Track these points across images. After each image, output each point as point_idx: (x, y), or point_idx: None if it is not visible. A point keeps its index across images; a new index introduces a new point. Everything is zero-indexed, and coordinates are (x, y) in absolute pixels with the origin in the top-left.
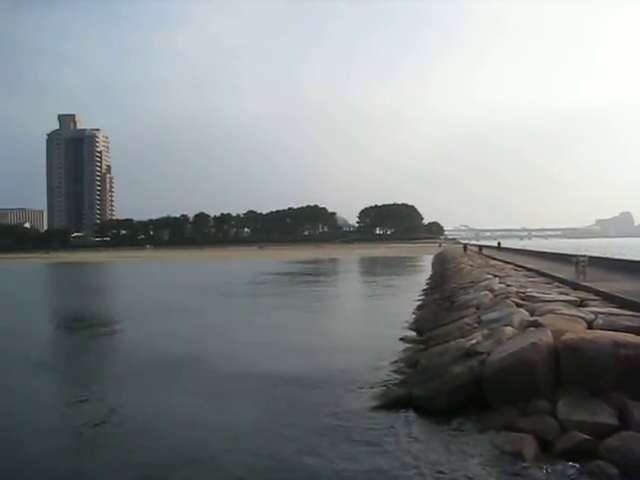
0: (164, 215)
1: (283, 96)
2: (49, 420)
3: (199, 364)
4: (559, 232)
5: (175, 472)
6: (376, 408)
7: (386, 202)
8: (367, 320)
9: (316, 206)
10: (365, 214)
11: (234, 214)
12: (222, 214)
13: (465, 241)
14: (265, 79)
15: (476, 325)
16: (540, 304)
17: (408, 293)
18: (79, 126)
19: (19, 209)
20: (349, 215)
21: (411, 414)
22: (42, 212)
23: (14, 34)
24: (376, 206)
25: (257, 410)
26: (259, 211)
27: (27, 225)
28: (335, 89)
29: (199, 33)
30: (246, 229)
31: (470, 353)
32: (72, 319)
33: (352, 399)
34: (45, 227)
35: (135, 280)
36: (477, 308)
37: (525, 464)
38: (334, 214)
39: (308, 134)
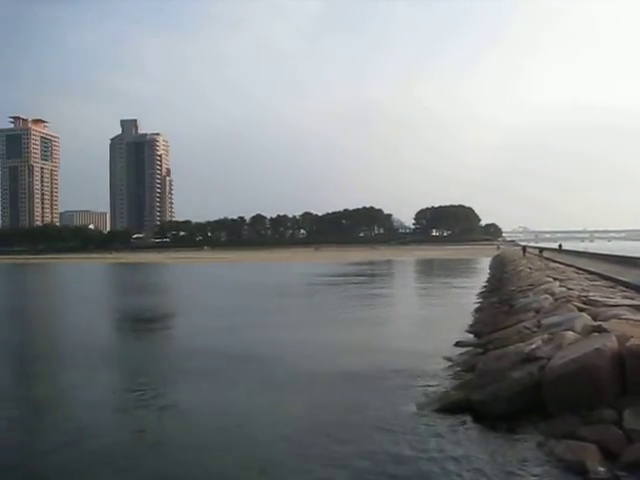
0: (221, 217)
1: (340, 98)
2: (113, 416)
3: (258, 361)
4: (623, 234)
5: (228, 471)
6: (433, 411)
7: (442, 203)
8: (423, 322)
9: (372, 208)
10: (421, 216)
11: (290, 215)
12: (278, 215)
13: (524, 243)
14: (325, 80)
15: (536, 329)
16: (603, 309)
17: (465, 296)
18: (140, 131)
19: (84, 211)
20: (405, 217)
21: (468, 418)
22: (105, 214)
23: (81, 42)
24: (432, 207)
25: (312, 409)
26: (315, 213)
27: (91, 227)
28: (392, 89)
29: (258, 36)
30: (302, 230)
31: (529, 358)
32: (138, 317)
33: (408, 401)
34: (108, 228)
35: (194, 280)
36: (537, 312)
37: (588, 475)
38: (390, 216)
39: (364, 136)
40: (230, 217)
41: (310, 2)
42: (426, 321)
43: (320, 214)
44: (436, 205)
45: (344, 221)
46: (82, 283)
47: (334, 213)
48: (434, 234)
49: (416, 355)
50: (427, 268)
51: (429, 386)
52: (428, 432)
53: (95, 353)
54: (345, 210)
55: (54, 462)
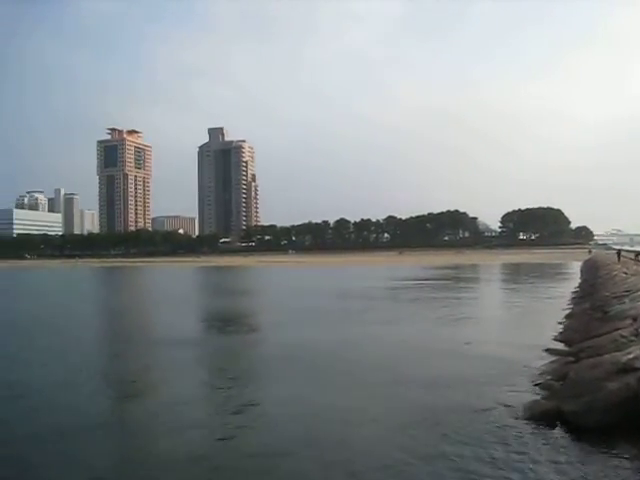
0: (306, 221)
1: (418, 101)
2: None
3: (344, 362)
4: None
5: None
6: (521, 419)
7: (530, 206)
8: (511, 328)
9: (457, 211)
10: (508, 218)
11: (374, 219)
12: (362, 220)
13: (617, 247)
14: (402, 84)
15: (633, 338)
16: None
17: (554, 301)
18: (227, 138)
19: (174, 217)
20: (491, 220)
21: (559, 429)
22: (194, 219)
23: (172, 55)
24: (519, 210)
25: (396, 414)
26: (399, 216)
27: (181, 231)
28: (471, 89)
29: (340, 42)
30: (386, 234)
31: (627, 368)
32: (228, 317)
33: (496, 408)
34: (197, 233)
35: (279, 283)
36: (634, 319)
37: None
38: (475, 219)
39: (447, 137)
40: (314, 221)
41: (388, 5)
42: (513, 327)
43: (404, 218)
44: (523, 207)
45: (428, 225)
46: (174, 285)
47: (418, 217)
48: (521, 237)
49: (503, 361)
50: (514, 272)
51: (517, 394)
52: (517, 442)
53: (190, 349)
54: (429, 214)
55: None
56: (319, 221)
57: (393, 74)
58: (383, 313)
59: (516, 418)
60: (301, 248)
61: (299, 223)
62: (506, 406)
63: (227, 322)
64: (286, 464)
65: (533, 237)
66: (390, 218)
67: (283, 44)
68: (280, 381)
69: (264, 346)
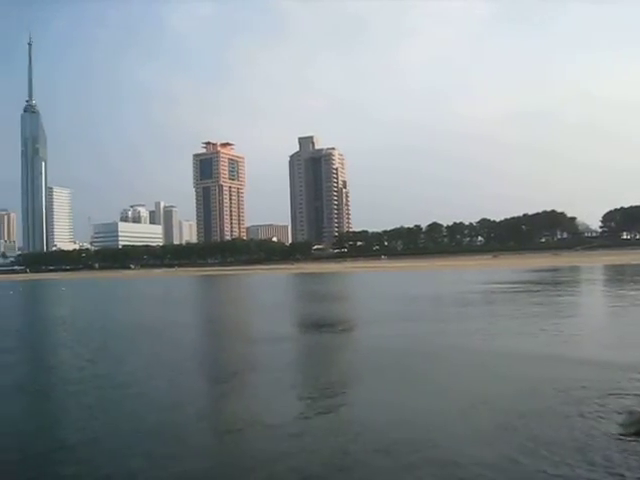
0: (397, 226)
1: (512, 99)
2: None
3: (440, 364)
4: None
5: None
6: (629, 434)
7: (634, 203)
8: (613, 335)
9: (553, 211)
10: (610, 217)
11: (466, 223)
12: (454, 223)
13: None
14: (494, 82)
15: None
16: None
17: None
18: (317, 146)
19: (268, 225)
20: (591, 219)
21: None
22: (287, 227)
23: (260, 68)
24: (622, 208)
25: (498, 418)
26: (492, 219)
27: (275, 239)
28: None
29: (425, 44)
30: (479, 238)
31: None
32: (323, 321)
33: (602, 420)
34: (289, 240)
35: (372, 288)
36: None
37: None
38: (574, 219)
39: (539, 134)
40: (406, 226)
41: (477, 5)
42: (616, 334)
43: (498, 220)
44: (626, 205)
45: (523, 226)
46: (270, 292)
47: (512, 218)
48: (624, 237)
49: (609, 369)
50: (617, 275)
51: (625, 405)
52: (622, 459)
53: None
54: (524, 215)
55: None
56: (411, 225)
57: (481, 74)
58: (475, 319)
59: (622, 431)
60: (393, 253)
61: (391, 228)
62: (610, 417)
63: (321, 326)
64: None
65: (638, 237)
66: (484, 221)
67: (372, 48)
68: (366, 385)
69: (354, 349)
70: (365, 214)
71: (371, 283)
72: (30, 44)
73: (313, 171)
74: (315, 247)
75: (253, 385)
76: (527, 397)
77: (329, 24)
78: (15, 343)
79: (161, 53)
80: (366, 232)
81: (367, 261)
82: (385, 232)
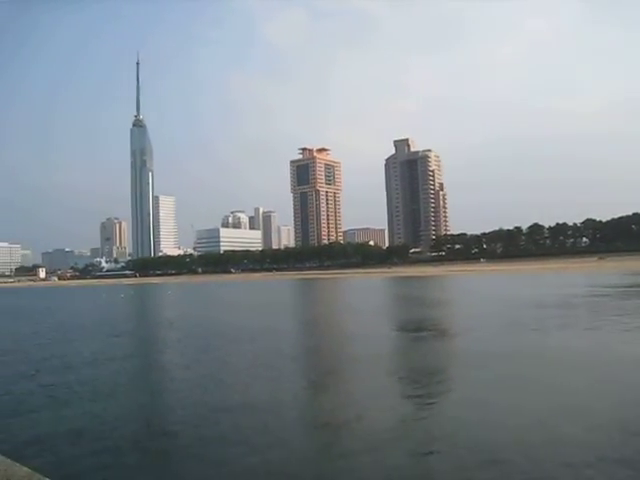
0: (496, 228)
1: (613, 94)
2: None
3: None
4: None
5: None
6: None
7: None
8: None
9: None
10: None
11: (570, 223)
12: (557, 224)
13: None
14: (594, 76)
15: None
16: None
17: None
18: (412, 149)
19: (364, 229)
20: None
21: None
22: (384, 230)
23: (356, 73)
24: None
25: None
26: (598, 219)
27: (371, 243)
28: None
29: (522, 39)
30: (584, 239)
31: None
32: (422, 326)
33: None
34: (386, 244)
35: (471, 292)
36: None
37: None
38: None
39: None
40: (506, 227)
41: None
42: None
43: (604, 220)
44: None
45: (634, 226)
46: (368, 295)
47: (621, 218)
48: None
49: None
50: None
51: None
52: None
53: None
54: (634, 214)
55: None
56: (511, 227)
57: (582, 65)
58: (580, 325)
59: None
60: (493, 256)
61: (489, 230)
62: None
63: (421, 329)
64: None
65: None
66: (588, 221)
67: (466, 47)
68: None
69: (455, 351)
70: (463, 216)
71: (470, 286)
72: (138, 63)
73: (409, 174)
74: (412, 250)
75: (355, 390)
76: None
77: (420, 26)
78: (128, 343)
79: (257, 63)
80: (464, 235)
81: (465, 264)
82: (484, 234)
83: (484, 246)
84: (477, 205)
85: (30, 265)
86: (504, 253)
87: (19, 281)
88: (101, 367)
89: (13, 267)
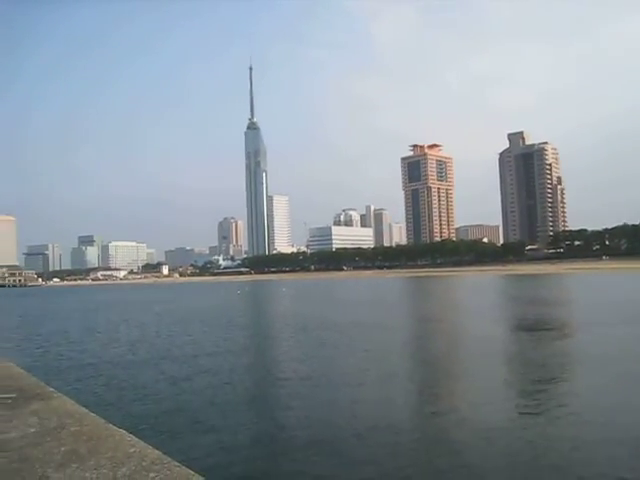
0: (620, 223)
1: None
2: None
3: None
4: None
5: None
6: None
7: None
8: None
9: None
10: None
11: None
12: None
13: None
14: None
15: None
16: None
17: None
18: (527, 142)
19: (478, 225)
20: None
21: None
22: (498, 227)
23: (464, 65)
24: None
25: None
26: None
27: (485, 240)
28: None
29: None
30: None
31: None
32: (539, 326)
33: None
34: (501, 241)
35: (591, 292)
36: None
37: None
38: None
39: None
40: (631, 223)
41: None
42: None
43: None
44: None
45: None
46: (481, 294)
47: None
48: None
49: None
50: None
51: None
52: None
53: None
54: None
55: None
56: (637, 222)
57: None
58: None
59: None
60: (616, 254)
61: (612, 226)
62: None
63: (537, 330)
64: None
65: None
66: None
67: (581, 35)
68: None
69: (575, 355)
70: (584, 212)
71: (590, 286)
72: (251, 68)
73: (525, 168)
74: (528, 248)
75: (478, 394)
76: None
77: (532, 16)
78: (246, 337)
79: (366, 62)
80: (585, 231)
81: (586, 262)
82: (606, 230)
83: (606, 242)
84: (599, 200)
85: (154, 262)
86: (629, 250)
87: (145, 277)
88: (218, 357)
89: (140, 264)
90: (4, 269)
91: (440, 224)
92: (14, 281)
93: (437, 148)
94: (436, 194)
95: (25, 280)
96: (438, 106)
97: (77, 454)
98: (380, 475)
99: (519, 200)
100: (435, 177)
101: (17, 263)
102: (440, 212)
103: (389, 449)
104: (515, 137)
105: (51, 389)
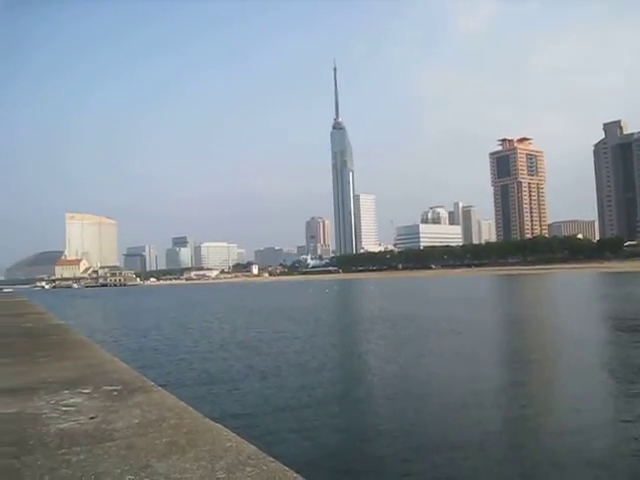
0: None
1: None
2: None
3: None
4: None
5: None
6: None
7: None
8: None
9: None
10: None
11: None
12: None
13: None
14: None
15: None
16: None
17: None
18: (625, 131)
19: (572, 221)
20: None
21: None
22: (593, 222)
23: (549, 56)
24: None
25: None
26: None
27: (579, 236)
28: None
29: None
30: None
31: None
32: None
33: None
34: (597, 237)
35: None
36: None
37: None
38: None
39: None
40: None
41: None
42: None
43: None
44: None
45: None
46: (577, 293)
47: None
48: None
49: None
50: None
51: None
52: None
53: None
54: None
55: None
56: None
57: None
58: None
59: None
60: None
61: None
62: None
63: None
64: None
65: None
66: None
67: None
68: None
69: None
70: None
71: None
72: (335, 69)
73: (622, 159)
74: (627, 244)
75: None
76: None
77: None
78: (334, 334)
79: (450, 55)
80: None
81: None
82: None
83: None
84: None
85: (244, 262)
86: None
87: (236, 277)
88: (308, 354)
89: (230, 264)
90: (106, 269)
91: (531, 220)
92: (115, 280)
93: (527, 142)
94: (527, 189)
95: (125, 280)
96: (528, 97)
97: (177, 446)
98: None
99: (617, 193)
100: (525, 172)
101: (118, 264)
102: (531, 208)
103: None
104: (611, 127)
105: (151, 383)
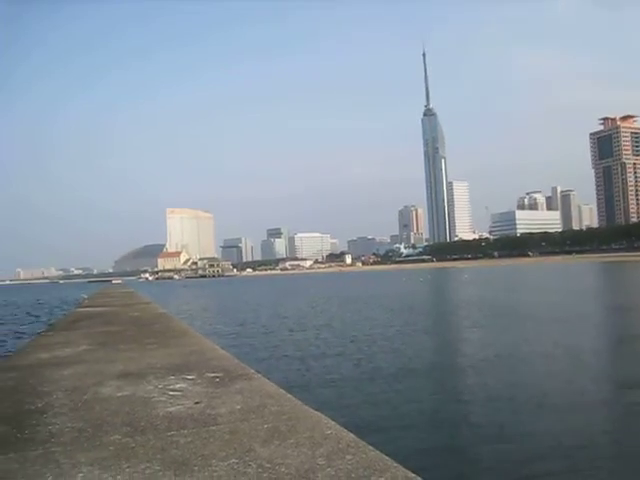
0: None
1: None
2: None
3: None
4: None
5: None
6: None
7: None
8: None
9: None
10: None
11: None
12: None
13: None
14: None
15: None
16: None
17: None
18: None
19: None
20: None
21: None
22: None
23: None
24: None
25: None
26: None
27: None
28: None
29: None
30: None
31: None
32: None
33: None
34: None
35: None
36: None
37: None
38: None
39: None
40: None
41: None
42: None
43: None
44: None
45: None
46: None
47: None
48: None
49: None
50: None
51: None
52: None
53: None
54: None
55: None
56: None
57: None
58: None
59: None
60: None
61: None
62: None
63: None
64: None
65: None
66: None
67: None
68: None
69: None
70: None
71: None
72: (424, 54)
73: None
74: None
75: None
76: None
77: None
78: (430, 323)
79: (546, 35)
80: None
81: None
82: None
83: None
84: None
85: (338, 252)
86: None
87: (329, 266)
88: (406, 343)
89: (324, 254)
90: (205, 261)
91: (637, 203)
92: (213, 271)
93: (631, 119)
94: (632, 170)
95: (222, 270)
96: (632, 73)
97: (278, 432)
98: None
99: None
100: (630, 152)
101: (215, 255)
102: (637, 190)
103: None
104: None
105: (252, 370)
